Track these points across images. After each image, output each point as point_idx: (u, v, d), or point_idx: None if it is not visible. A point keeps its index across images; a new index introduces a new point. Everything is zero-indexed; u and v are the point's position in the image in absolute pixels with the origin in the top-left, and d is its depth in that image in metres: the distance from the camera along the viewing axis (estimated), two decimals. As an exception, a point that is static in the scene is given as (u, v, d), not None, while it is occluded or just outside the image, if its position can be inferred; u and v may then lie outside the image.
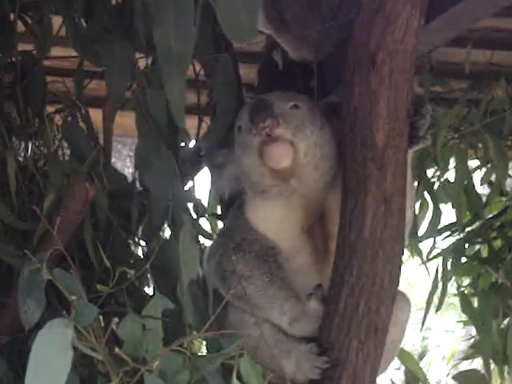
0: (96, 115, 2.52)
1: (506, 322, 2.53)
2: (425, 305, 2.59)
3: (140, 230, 2.08)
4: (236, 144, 2.07)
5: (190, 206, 2.34)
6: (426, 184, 2.59)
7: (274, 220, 2.08)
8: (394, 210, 1.97)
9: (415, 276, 6.56)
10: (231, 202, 2.25)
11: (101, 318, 1.88)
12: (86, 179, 1.86)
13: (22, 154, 2.13)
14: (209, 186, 2.45)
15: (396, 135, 1.95)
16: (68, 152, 2.14)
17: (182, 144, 2.26)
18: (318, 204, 2.08)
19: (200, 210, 2.32)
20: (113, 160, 5.22)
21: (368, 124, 1.94)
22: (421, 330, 2.79)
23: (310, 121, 2.00)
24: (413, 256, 2.75)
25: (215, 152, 2.17)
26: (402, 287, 2.03)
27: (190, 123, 2.60)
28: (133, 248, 2.11)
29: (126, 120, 2.49)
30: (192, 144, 2.39)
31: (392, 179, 1.96)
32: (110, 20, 2.04)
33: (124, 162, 5.12)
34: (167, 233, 2.14)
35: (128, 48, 2.03)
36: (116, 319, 1.95)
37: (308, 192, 2.05)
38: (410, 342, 6.92)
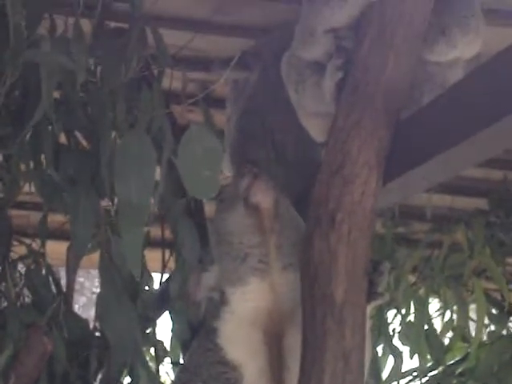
0: (61, 248, 2.54)
1: None
2: None
3: (98, 379, 2.07)
4: (215, 219, 2.13)
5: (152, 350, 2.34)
6: (386, 331, 2.61)
7: (244, 333, 2.08)
8: (353, 366, 1.97)
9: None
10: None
11: None
12: (44, 333, 1.85)
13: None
14: (170, 330, 2.45)
15: (354, 292, 1.97)
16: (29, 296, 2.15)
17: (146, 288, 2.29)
18: (280, 325, 2.10)
19: (161, 353, 2.32)
20: (82, 279, 5.19)
21: (327, 280, 1.96)
22: None
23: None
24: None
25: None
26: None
27: (154, 256, 2.64)
28: (90, 397, 2.09)
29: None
30: (155, 282, 2.41)
31: (351, 335, 1.97)
32: (77, 169, 2.09)
33: (92, 282, 5.10)
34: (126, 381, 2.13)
35: (93, 197, 2.07)
36: None
37: (280, 275, 2.07)
38: None
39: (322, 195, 2.00)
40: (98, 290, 2.35)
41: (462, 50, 1.97)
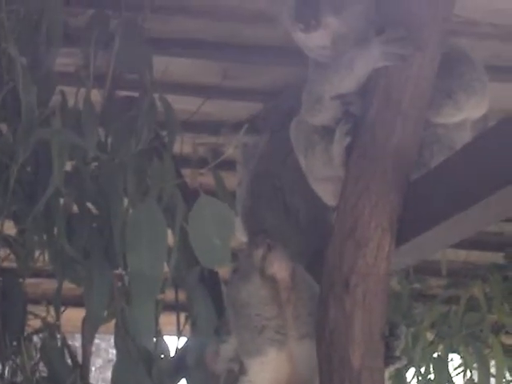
0: (77, 315, 2.53)
1: None
2: None
3: None
4: (230, 290, 2.12)
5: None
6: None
7: None
8: (374, 428, 1.95)
9: None
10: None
11: None
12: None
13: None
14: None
15: (371, 356, 1.96)
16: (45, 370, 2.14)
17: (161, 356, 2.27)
18: None
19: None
20: (98, 341, 5.15)
21: (344, 345, 1.95)
22: None
23: None
24: None
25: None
26: None
27: (169, 319, 2.62)
28: None
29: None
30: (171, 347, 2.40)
31: (369, 400, 1.96)
32: (89, 240, 2.09)
33: (108, 343, 5.07)
34: None
35: (107, 268, 2.08)
36: None
37: (297, 345, 2.05)
38: None
39: (335, 259, 2.00)
40: (115, 352, 2.34)
41: (468, 112, 1.99)
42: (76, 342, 2.62)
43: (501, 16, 2.29)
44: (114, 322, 2.21)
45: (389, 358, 1.99)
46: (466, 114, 1.98)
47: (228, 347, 2.13)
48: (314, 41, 1.97)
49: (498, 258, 2.88)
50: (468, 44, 2.28)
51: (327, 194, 2.14)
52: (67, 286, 2.31)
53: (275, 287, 2.07)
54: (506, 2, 2.23)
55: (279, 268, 2.06)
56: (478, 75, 1.99)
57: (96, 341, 4.71)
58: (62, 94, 2.07)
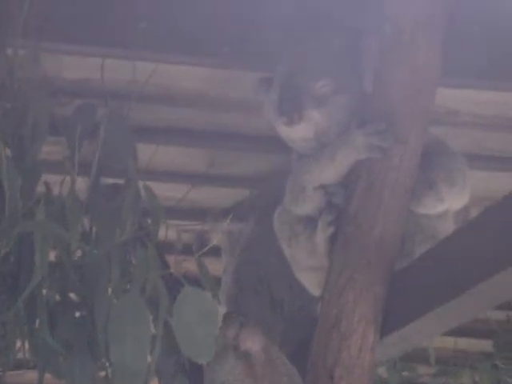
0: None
1: None
2: None
3: None
4: (207, 372, 2.08)
5: None
6: None
7: None
8: None
9: None
10: None
11: None
12: None
13: None
14: None
15: None
16: None
17: None
18: None
19: None
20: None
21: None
22: None
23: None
24: None
25: None
26: None
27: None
28: None
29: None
30: None
31: None
32: (72, 333, 2.06)
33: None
34: None
35: (89, 362, 2.04)
36: None
37: None
38: None
39: (319, 350, 1.98)
40: None
41: (450, 202, 2.00)
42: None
43: (482, 106, 2.33)
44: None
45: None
46: (448, 204, 2.00)
47: None
48: (297, 133, 2.00)
49: (486, 345, 2.85)
50: (449, 133, 2.32)
51: (311, 283, 2.13)
52: (50, 375, 2.27)
53: (250, 363, 2.06)
54: (487, 93, 2.27)
55: (252, 343, 2.05)
56: (459, 165, 2.01)
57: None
58: (46, 184, 2.07)
